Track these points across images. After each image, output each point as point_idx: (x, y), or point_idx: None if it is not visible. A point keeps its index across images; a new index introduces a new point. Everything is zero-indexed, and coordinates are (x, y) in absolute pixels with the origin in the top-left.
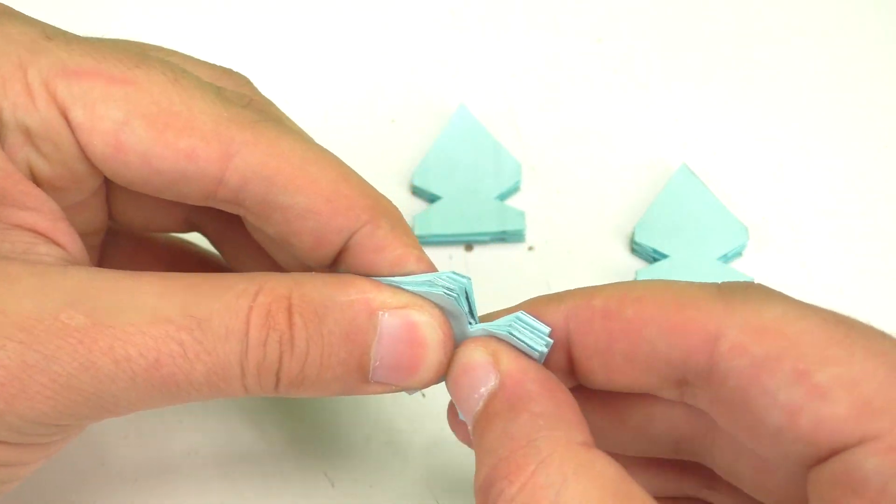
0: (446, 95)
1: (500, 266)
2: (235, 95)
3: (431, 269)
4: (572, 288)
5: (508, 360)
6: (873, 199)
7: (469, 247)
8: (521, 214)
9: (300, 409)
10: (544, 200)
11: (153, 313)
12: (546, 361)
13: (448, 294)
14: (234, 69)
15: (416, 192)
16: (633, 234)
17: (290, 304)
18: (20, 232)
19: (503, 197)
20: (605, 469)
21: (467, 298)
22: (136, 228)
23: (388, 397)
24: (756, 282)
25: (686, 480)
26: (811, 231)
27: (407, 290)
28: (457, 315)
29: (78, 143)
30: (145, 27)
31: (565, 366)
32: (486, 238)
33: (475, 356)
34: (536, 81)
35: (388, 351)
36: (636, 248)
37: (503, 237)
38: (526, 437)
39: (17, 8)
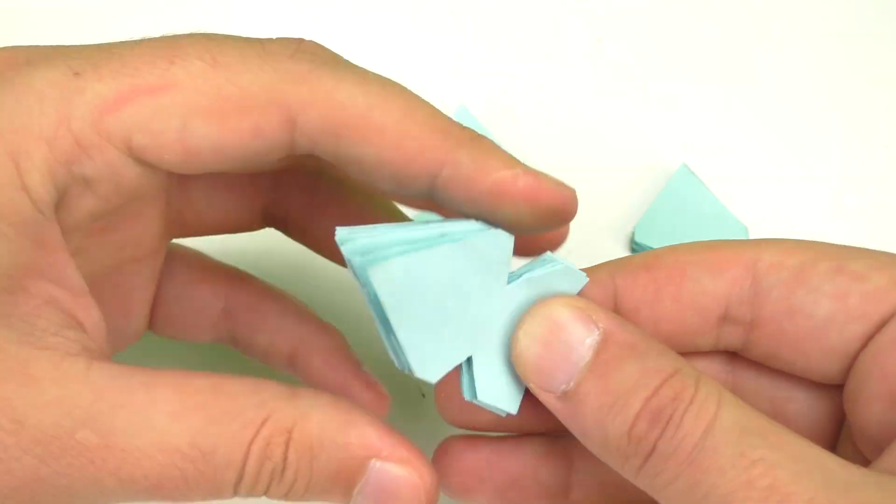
0: (446, 95)
1: None
2: (279, 45)
3: (542, 182)
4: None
5: (600, 312)
6: (873, 199)
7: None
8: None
9: None
10: None
11: (162, 439)
12: None
13: (502, 238)
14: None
15: None
16: (633, 234)
17: (290, 439)
18: (50, 310)
19: None
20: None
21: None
22: (209, 229)
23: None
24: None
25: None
26: (811, 231)
27: (408, 445)
28: (497, 266)
29: (148, 164)
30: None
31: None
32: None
33: (565, 311)
34: (536, 81)
35: (370, 496)
36: (636, 248)
37: None
38: (671, 367)
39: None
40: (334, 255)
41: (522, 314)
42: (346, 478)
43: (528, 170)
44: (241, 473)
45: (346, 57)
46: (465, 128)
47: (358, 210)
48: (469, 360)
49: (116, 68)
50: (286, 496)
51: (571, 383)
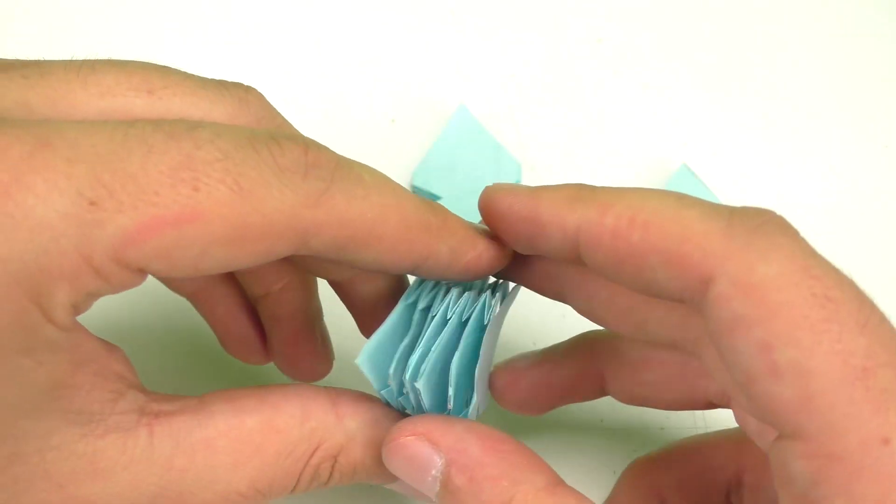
0: (446, 95)
1: None
2: (291, 160)
3: (497, 254)
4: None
5: (441, 435)
6: (874, 199)
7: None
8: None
9: None
10: None
11: (225, 489)
12: (554, 252)
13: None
14: (238, 80)
15: (417, 192)
16: None
17: (335, 463)
18: (100, 387)
19: None
20: None
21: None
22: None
23: None
24: (775, 215)
25: (707, 384)
26: (811, 231)
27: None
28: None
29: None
30: (144, 27)
31: (572, 255)
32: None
33: (413, 447)
34: (536, 81)
35: (393, 487)
36: None
37: None
38: (499, 502)
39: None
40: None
41: (384, 439)
42: (379, 481)
43: (488, 245)
44: (291, 492)
45: (347, 56)
46: (437, 213)
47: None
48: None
49: (136, 194)
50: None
51: (435, 499)
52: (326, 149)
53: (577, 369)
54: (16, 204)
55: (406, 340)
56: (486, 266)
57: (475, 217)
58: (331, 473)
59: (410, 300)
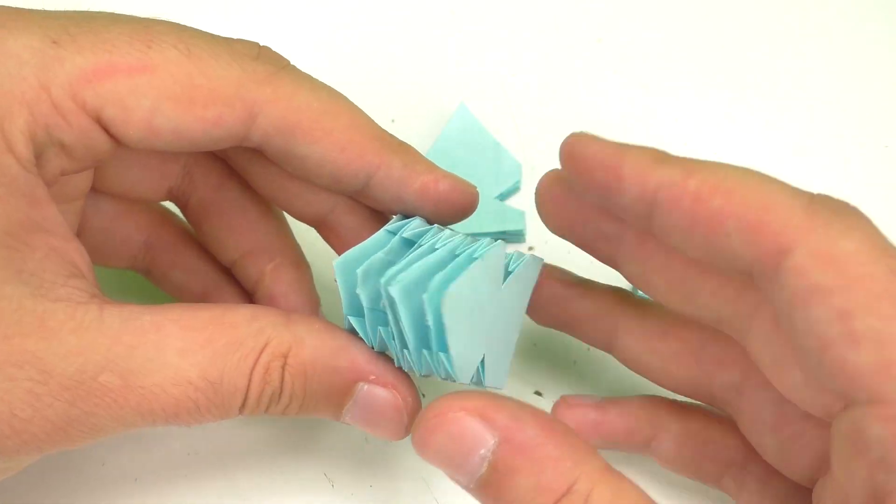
0: (446, 95)
1: None
2: (245, 46)
3: (455, 185)
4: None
5: (495, 411)
6: (874, 199)
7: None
8: (521, 214)
9: None
10: None
11: (175, 374)
12: (627, 208)
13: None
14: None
15: None
16: None
17: (286, 363)
18: (54, 260)
19: (503, 197)
20: (634, 494)
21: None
22: (114, 194)
23: None
24: (852, 205)
25: (719, 373)
26: None
27: (394, 370)
28: (497, 273)
29: (111, 134)
30: None
31: (643, 214)
32: (487, 238)
33: (462, 423)
34: (536, 81)
35: (358, 412)
36: None
37: (503, 237)
38: (564, 483)
39: None
40: (219, 252)
41: (420, 415)
42: (336, 399)
43: (446, 174)
44: (245, 398)
45: (347, 55)
46: (395, 137)
47: (253, 216)
48: (483, 357)
49: (95, 42)
50: (283, 414)
51: (472, 486)
52: (283, 56)
53: (634, 423)
54: (4, 44)
55: (384, 255)
56: (445, 195)
57: (474, 218)
58: (282, 378)
59: (392, 228)
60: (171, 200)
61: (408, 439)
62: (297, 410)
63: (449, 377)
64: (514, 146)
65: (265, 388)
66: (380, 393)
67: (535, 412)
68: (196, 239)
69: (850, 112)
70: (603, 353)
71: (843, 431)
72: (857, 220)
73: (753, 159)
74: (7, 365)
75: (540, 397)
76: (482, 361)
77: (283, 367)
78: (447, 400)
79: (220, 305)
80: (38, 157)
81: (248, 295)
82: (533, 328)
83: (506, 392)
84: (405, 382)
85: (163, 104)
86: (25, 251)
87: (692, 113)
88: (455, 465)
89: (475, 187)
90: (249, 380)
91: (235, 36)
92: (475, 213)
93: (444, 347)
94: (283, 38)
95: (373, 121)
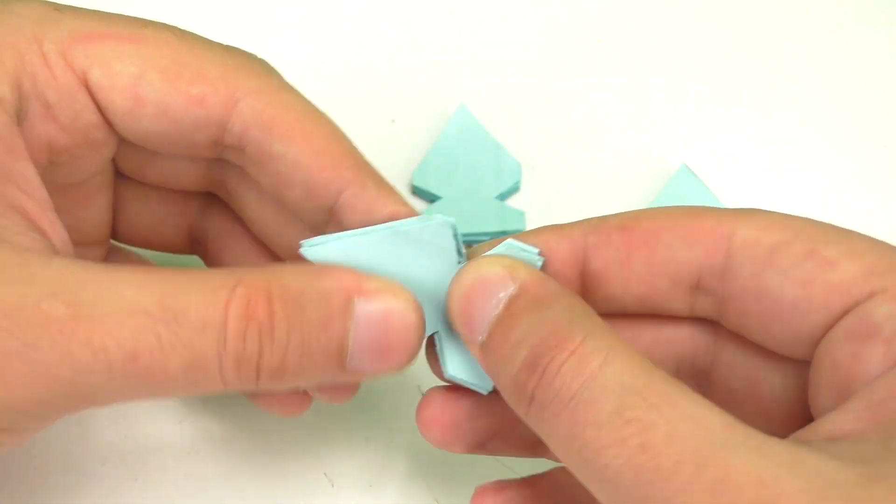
0: (446, 95)
1: None
2: (237, 49)
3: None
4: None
5: (523, 268)
6: (873, 199)
7: (469, 247)
8: (521, 214)
9: None
10: (544, 200)
11: (131, 304)
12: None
13: (442, 226)
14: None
15: (416, 192)
16: None
17: (270, 295)
18: (14, 214)
19: (503, 197)
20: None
21: (455, 237)
22: (138, 243)
23: (387, 398)
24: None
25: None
26: None
27: (382, 278)
28: (446, 249)
29: (97, 104)
30: None
31: (578, 286)
32: (487, 238)
33: (488, 268)
34: (536, 81)
35: (363, 336)
36: None
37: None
38: (566, 319)
39: None
40: None
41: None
42: (336, 327)
43: (415, 211)
44: (223, 336)
45: (346, 55)
46: (368, 161)
47: (264, 249)
48: (438, 336)
49: (95, 16)
50: (283, 366)
51: (485, 334)
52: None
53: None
54: (3, 2)
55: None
56: None
57: (474, 218)
58: (271, 311)
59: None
60: (195, 246)
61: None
62: (299, 356)
63: None
64: (514, 146)
65: (249, 324)
66: (380, 300)
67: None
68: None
69: (850, 112)
70: None
71: (844, 334)
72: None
73: (753, 159)
74: None
75: None
76: (439, 342)
77: (268, 299)
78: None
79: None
80: (24, 113)
81: None
82: None
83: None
84: (398, 286)
85: (149, 73)
86: None
87: (692, 113)
88: (476, 305)
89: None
90: (225, 314)
91: (236, 36)
92: (475, 213)
93: None
94: (283, 39)
95: (351, 142)
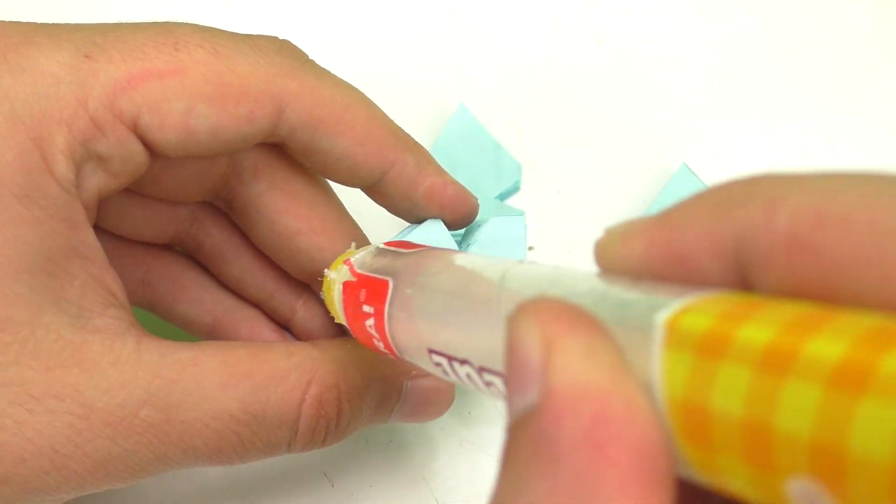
0: (446, 95)
1: None
2: (267, 41)
3: (462, 191)
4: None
5: (561, 365)
6: None
7: None
8: (521, 214)
9: None
10: (544, 200)
11: (215, 407)
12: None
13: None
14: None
15: None
16: None
17: (339, 393)
18: (92, 289)
19: (503, 197)
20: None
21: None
22: (113, 234)
23: None
24: None
25: None
26: None
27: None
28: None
29: (147, 144)
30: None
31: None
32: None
33: (526, 338)
34: (536, 81)
35: (409, 409)
36: None
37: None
38: None
39: None
40: (240, 294)
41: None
42: (388, 405)
43: (454, 180)
44: (294, 431)
45: (346, 55)
46: (408, 134)
47: (267, 262)
48: None
49: (125, 51)
50: (339, 439)
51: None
52: (302, 50)
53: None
54: (24, 57)
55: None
56: (451, 199)
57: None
58: (339, 408)
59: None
60: (179, 244)
61: (413, 433)
62: (352, 430)
63: None
64: (514, 146)
65: (320, 420)
66: (424, 383)
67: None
68: (199, 267)
69: (851, 112)
70: None
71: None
72: None
73: (754, 159)
74: (48, 397)
75: None
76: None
77: (338, 398)
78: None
79: (255, 343)
80: (77, 175)
81: (262, 315)
82: None
83: None
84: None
85: (197, 105)
86: (65, 278)
87: (692, 113)
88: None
89: (476, 198)
90: (299, 413)
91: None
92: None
93: None
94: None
95: (387, 116)
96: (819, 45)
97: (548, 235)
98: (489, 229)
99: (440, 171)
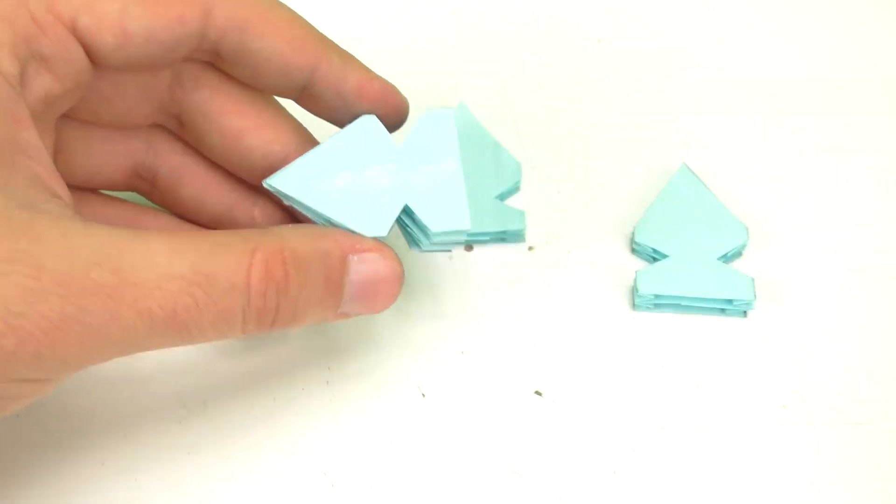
0: (446, 95)
1: (500, 266)
2: None
3: (387, 87)
4: (570, 288)
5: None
6: (873, 199)
7: (469, 247)
8: (522, 214)
9: (301, 410)
10: (544, 200)
11: (168, 271)
12: None
13: (366, 121)
14: None
15: None
16: (633, 234)
17: (284, 258)
18: (37, 183)
19: (503, 197)
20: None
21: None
22: (78, 183)
23: (388, 398)
24: None
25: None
26: (811, 230)
27: (370, 239)
28: (382, 140)
29: (86, 47)
30: None
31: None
32: (487, 238)
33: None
34: (536, 81)
35: (356, 289)
36: (636, 249)
37: (503, 237)
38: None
39: None
40: (198, 218)
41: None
42: (335, 280)
43: (379, 77)
44: (247, 295)
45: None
46: (331, 40)
47: (222, 176)
48: (406, 209)
49: None
50: (293, 315)
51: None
52: None
53: None
54: None
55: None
56: (378, 94)
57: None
58: (286, 273)
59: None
60: (136, 182)
61: (413, 433)
62: (304, 306)
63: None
64: (514, 146)
65: (269, 284)
66: (369, 256)
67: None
68: (155, 210)
69: (850, 112)
70: (603, 352)
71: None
72: None
73: (753, 159)
74: None
75: (539, 397)
76: (409, 215)
77: (283, 262)
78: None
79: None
80: (22, 75)
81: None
82: (533, 327)
83: (505, 388)
84: (384, 245)
85: (130, 6)
86: (11, 169)
87: (692, 113)
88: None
89: (405, 97)
90: (248, 276)
91: None
92: (476, 213)
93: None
94: None
95: (313, 25)
96: (821, 45)
97: (548, 235)
98: (419, 126)
99: (366, 69)
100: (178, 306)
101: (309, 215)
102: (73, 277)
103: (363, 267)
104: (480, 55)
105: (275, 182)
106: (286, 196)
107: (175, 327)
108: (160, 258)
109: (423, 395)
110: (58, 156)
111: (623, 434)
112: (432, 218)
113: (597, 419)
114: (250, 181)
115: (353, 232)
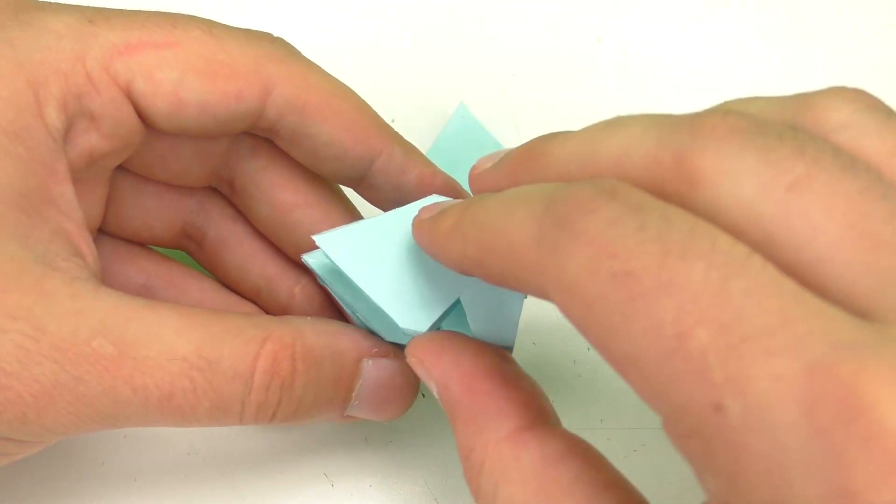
0: (446, 95)
1: None
2: (261, 33)
3: (449, 182)
4: None
5: (432, 365)
6: None
7: None
8: None
9: None
10: None
11: (171, 349)
12: None
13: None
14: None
15: None
16: None
17: (294, 353)
18: (60, 238)
19: None
20: (531, 461)
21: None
22: (127, 235)
23: None
24: None
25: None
26: None
27: (386, 343)
28: None
29: (139, 110)
30: None
31: None
32: None
33: (417, 368)
34: (536, 81)
35: (366, 394)
36: None
37: None
38: (466, 447)
39: None
40: (240, 288)
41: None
42: (346, 383)
43: (441, 171)
44: (249, 386)
45: (346, 55)
46: (394, 130)
47: (269, 248)
48: (457, 303)
49: (126, 22)
50: (295, 414)
51: None
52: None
53: None
54: (32, 17)
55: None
56: (441, 189)
57: None
58: (294, 368)
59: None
60: (184, 241)
61: (413, 433)
62: (311, 405)
63: (398, 327)
64: (514, 146)
65: (274, 378)
66: (385, 363)
67: (467, 366)
68: (199, 273)
69: None
70: None
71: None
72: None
73: None
74: (1, 317)
75: None
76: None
77: (292, 357)
78: (408, 345)
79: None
80: (68, 130)
81: (260, 311)
82: (533, 327)
83: None
84: (399, 351)
85: (188, 77)
86: (37, 220)
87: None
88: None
89: (469, 193)
90: (254, 366)
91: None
92: None
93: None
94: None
95: (375, 112)
96: (820, 46)
97: None
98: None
99: (428, 162)
100: (175, 388)
101: (336, 293)
102: (72, 344)
103: (377, 373)
104: (480, 55)
105: (321, 241)
106: (324, 266)
107: (169, 409)
108: (166, 334)
109: (423, 395)
110: (110, 206)
111: (623, 434)
112: (478, 328)
113: (597, 419)
114: (294, 258)
115: (387, 316)
